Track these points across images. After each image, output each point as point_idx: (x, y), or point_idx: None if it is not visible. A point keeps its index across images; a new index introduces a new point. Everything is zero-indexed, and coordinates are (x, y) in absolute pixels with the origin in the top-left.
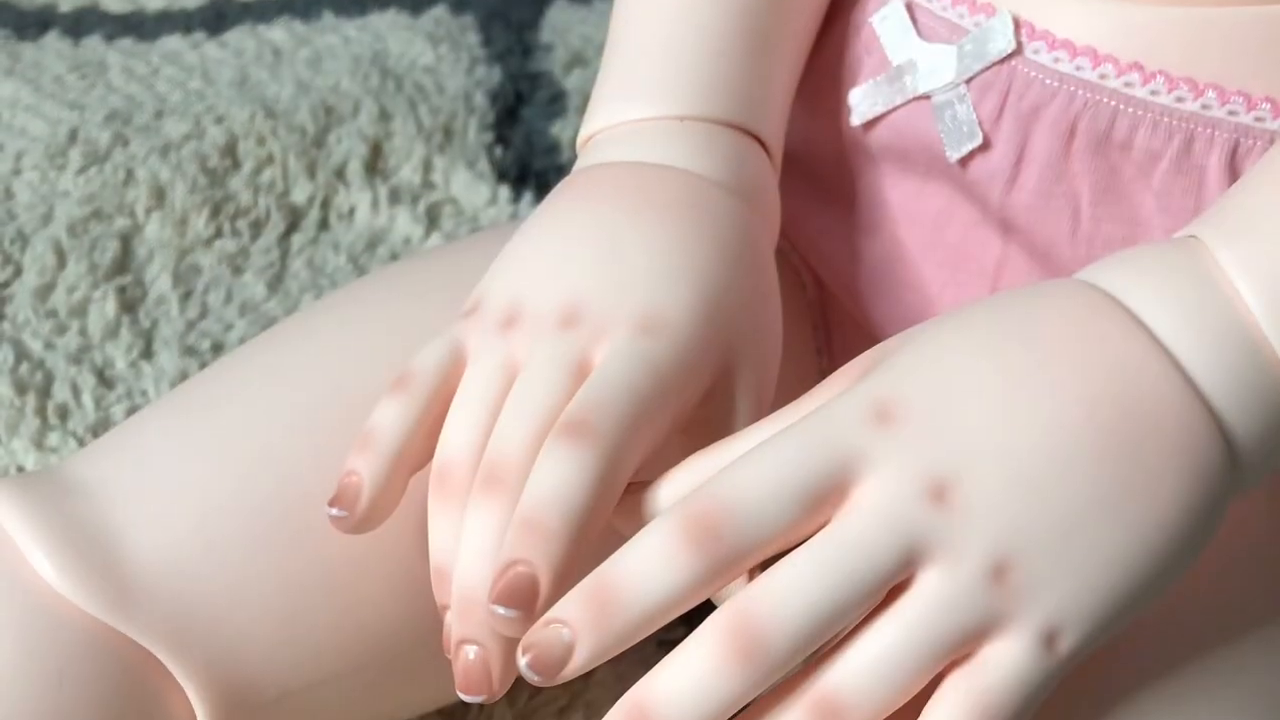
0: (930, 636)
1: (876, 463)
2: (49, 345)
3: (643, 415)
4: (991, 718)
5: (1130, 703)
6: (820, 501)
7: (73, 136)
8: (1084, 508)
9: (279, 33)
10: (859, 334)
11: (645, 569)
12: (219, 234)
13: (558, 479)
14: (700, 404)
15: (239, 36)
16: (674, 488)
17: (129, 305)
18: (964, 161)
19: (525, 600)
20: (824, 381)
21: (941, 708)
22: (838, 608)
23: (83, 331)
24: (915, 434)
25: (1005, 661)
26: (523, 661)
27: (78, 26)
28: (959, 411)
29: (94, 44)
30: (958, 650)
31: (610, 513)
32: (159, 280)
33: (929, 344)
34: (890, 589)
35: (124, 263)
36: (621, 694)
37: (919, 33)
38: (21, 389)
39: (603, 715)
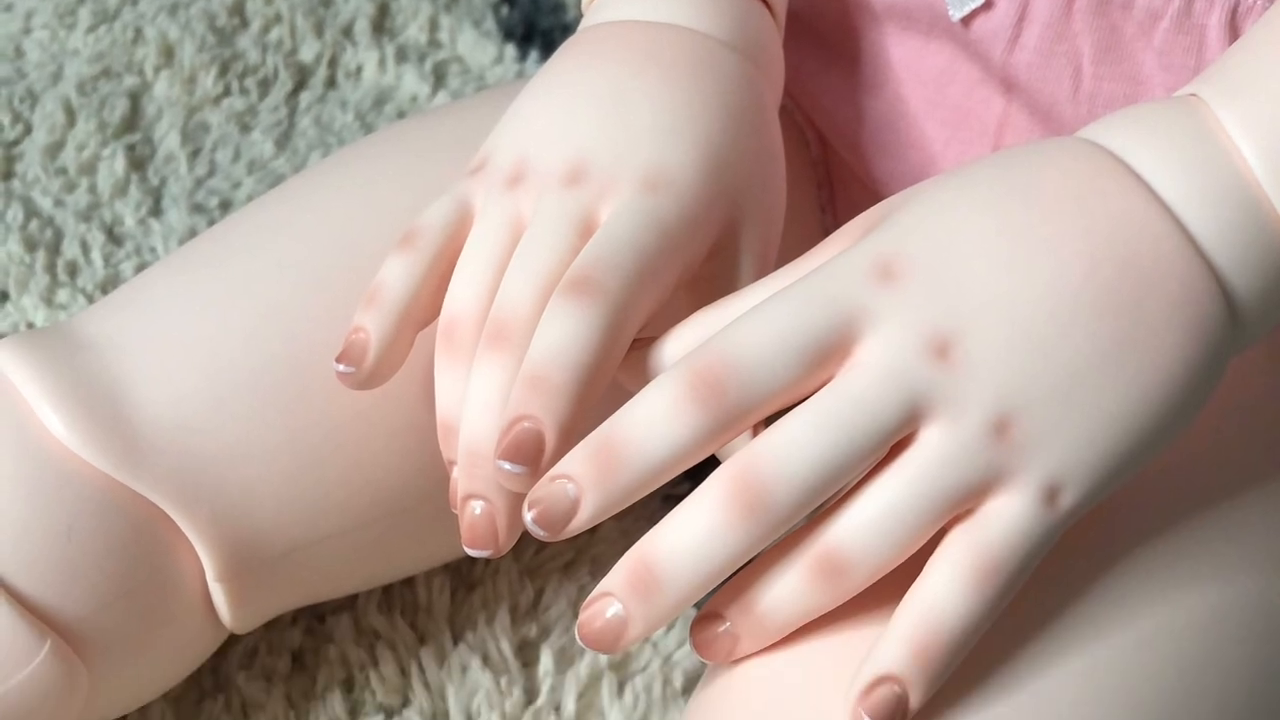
0: (932, 492)
1: (879, 319)
2: (58, 203)
3: (647, 272)
4: (993, 572)
5: (1130, 559)
6: (823, 358)
7: None
8: (1085, 364)
9: None
10: (863, 191)
11: (650, 424)
12: (227, 92)
13: (563, 335)
14: (705, 261)
15: None
16: (679, 343)
17: (138, 163)
18: (966, 20)
19: (531, 456)
20: (827, 239)
21: (943, 562)
22: (840, 463)
23: (92, 189)
24: (918, 291)
25: (1007, 517)
26: (528, 517)
27: None
28: (961, 268)
29: None
30: (959, 506)
31: (615, 369)
32: (168, 138)
33: (932, 201)
34: (893, 446)
35: (133, 121)
36: (627, 549)
37: None
38: (31, 246)
39: (608, 570)
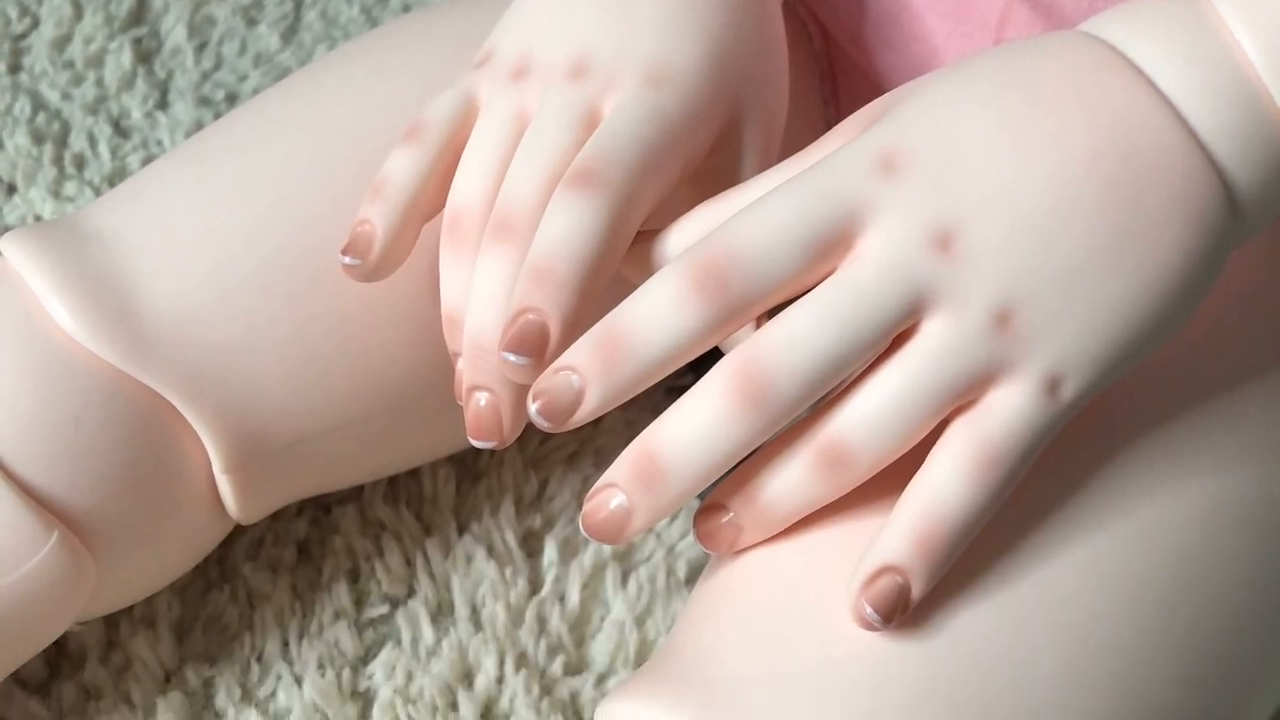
0: (934, 383)
1: (882, 212)
2: (66, 96)
3: (651, 164)
4: (994, 463)
5: (1131, 450)
6: (826, 250)
7: None
8: (1086, 255)
9: None
10: (865, 84)
11: (653, 316)
12: None
13: (567, 227)
14: (708, 155)
15: None
16: (682, 235)
17: (145, 56)
18: None
19: (535, 347)
20: (830, 132)
21: (945, 453)
22: (843, 354)
23: (99, 82)
24: (920, 183)
25: (1008, 407)
26: (533, 408)
27: None
28: (963, 161)
29: None
30: (962, 397)
31: (619, 261)
32: (174, 31)
33: (934, 95)
34: (895, 338)
35: (140, 14)
36: (630, 440)
37: None
38: (39, 139)
39: (612, 461)
